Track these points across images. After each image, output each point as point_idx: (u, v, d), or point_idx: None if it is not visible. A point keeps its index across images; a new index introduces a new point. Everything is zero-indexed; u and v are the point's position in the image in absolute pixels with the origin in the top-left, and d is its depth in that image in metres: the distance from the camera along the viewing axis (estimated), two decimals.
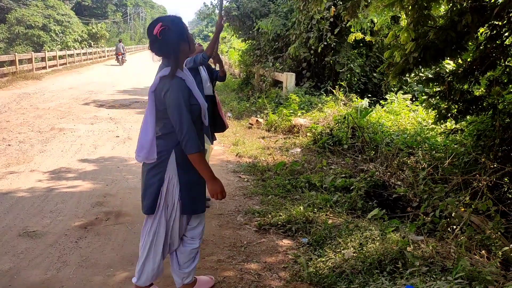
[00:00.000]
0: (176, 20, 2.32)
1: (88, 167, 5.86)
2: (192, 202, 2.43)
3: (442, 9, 5.37)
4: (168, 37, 2.24)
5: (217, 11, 15.41)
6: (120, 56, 27.59)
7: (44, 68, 20.01)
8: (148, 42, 2.34)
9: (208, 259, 3.29)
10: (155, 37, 2.24)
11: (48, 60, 20.66)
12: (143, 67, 25.09)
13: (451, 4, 4.64)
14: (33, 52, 20.32)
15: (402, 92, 9.01)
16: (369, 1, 5.59)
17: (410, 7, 4.63)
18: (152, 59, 2.40)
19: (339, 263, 2.93)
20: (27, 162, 5.97)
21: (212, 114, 4.45)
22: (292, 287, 2.66)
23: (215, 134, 4.70)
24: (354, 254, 3.00)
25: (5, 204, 4.39)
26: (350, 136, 6.65)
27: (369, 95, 9.80)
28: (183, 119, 2.24)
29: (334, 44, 10.24)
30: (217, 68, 4.76)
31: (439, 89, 5.55)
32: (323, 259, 3.04)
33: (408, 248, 3.00)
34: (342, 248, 3.15)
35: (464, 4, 4.51)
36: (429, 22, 4.66)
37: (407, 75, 5.15)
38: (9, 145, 6.88)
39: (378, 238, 3.21)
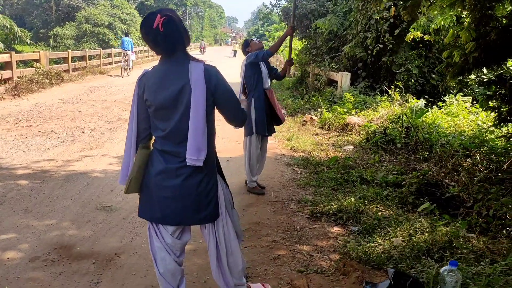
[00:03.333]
0: (171, 10, 2.14)
1: None
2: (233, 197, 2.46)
3: (508, 9, 5.25)
4: (172, 27, 2.05)
5: (275, 11, 15.71)
6: (203, 49, 44.04)
7: (110, 63, 21.24)
8: (148, 44, 2.13)
9: (263, 239, 3.55)
10: (155, 31, 2.02)
11: (113, 56, 21.90)
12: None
13: None
14: (101, 49, 21.59)
15: (461, 94, 8.84)
16: (431, 0, 5.61)
17: (472, 6, 4.62)
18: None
19: (388, 249, 3.08)
20: (99, 148, 6.55)
21: (269, 107, 4.74)
22: (342, 264, 2.85)
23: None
24: (403, 243, 3.14)
25: (83, 182, 4.93)
26: (404, 135, 6.68)
27: (426, 97, 9.66)
28: (237, 98, 2.26)
29: (392, 45, 10.18)
30: (280, 69, 5.03)
31: (501, 91, 5.46)
32: (372, 245, 3.21)
33: (457, 240, 3.09)
34: (391, 236, 3.30)
35: None
36: (492, 22, 4.63)
37: (466, 76, 5.12)
38: (82, 132, 7.54)
39: (427, 230, 3.33)
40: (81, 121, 8.52)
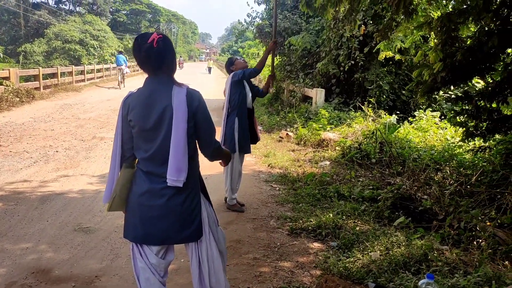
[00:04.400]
0: (161, 34, 2.21)
1: None
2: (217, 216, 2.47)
3: (472, 29, 5.51)
4: (165, 47, 2.15)
5: (250, 28, 15.95)
6: (181, 64, 45.19)
7: (82, 80, 20.95)
8: (138, 58, 2.18)
9: (245, 256, 3.59)
10: (150, 47, 2.10)
11: (86, 73, 21.65)
12: (180, 80, 25.91)
13: (478, 26, 4.84)
14: (73, 66, 21.31)
15: (431, 109, 9.16)
16: (399, 21, 5.85)
17: (438, 28, 4.85)
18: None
19: (367, 263, 3.17)
20: (74, 167, 6.45)
21: (249, 126, 4.83)
22: (323, 280, 2.91)
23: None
24: (381, 257, 3.24)
25: (60, 203, 4.85)
26: (378, 150, 6.86)
27: (398, 112, 9.97)
28: (214, 128, 2.30)
29: (363, 61, 10.50)
30: (261, 86, 5.12)
31: (467, 107, 5.70)
32: (352, 260, 3.29)
33: (432, 253, 3.21)
34: (369, 251, 3.40)
35: (492, 26, 4.67)
36: (457, 43, 4.87)
37: (435, 94, 5.33)
38: (56, 151, 7.41)
39: (403, 243, 3.44)
40: (54, 140, 8.37)
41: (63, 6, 62.43)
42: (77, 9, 60.87)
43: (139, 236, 2.22)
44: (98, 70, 24.55)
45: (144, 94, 2.19)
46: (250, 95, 4.83)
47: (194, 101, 2.17)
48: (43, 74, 16.51)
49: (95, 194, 5.21)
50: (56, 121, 10.60)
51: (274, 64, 5.48)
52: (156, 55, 2.13)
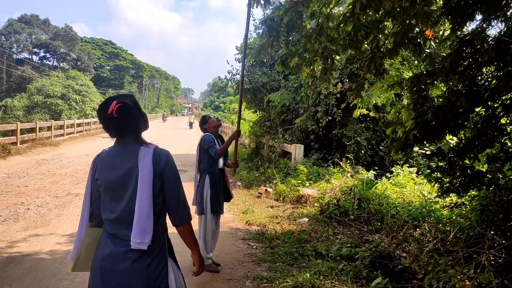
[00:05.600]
0: (130, 96, 2.24)
1: None
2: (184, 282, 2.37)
3: (442, 88, 5.71)
4: (126, 114, 2.14)
5: (230, 84, 16.29)
6: (165, 118, 55.02)
7: (62, 135, 20.83)
8: (103, 124, 2.20)
9: None
10: (110, 116, 2.11)
11: (66, 128, 21.55)
12: (158, 134, 25.94)
13: (447, 86, 5.03)
14: (53, 121, 21.21)
15: (407, 165, 9.29)
16: (371, 81, 6.06)
17: (409, 88, 5.02)
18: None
19: None
20: (45, 226, 6.22)
21: (223, 185, 4.81)
22: None
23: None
24: None
25: (25, 266, 4.60)
26: (356, 207, 6.85)
27: (376, 168, 10.08)
28: (182, 188, 2.22)
29: (340, 118, 10.73)
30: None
31: (441, 164, 5.80)
32: None
33: None
34: None
35: (460, 86, 4.86)
36: (428, 102, 5.03)
37: (409, 151, 5.42)
38: (28, 209, 7.17)
39: None
40: (27, 196, 8.13)
41: (47, 62, 63.27)
42: (61, 64, 61.67)
43: None
44: (79, 125, 24.51)
45: (112, 153, 2.20)
46: (222, 157, 4.84)
47: (161, 160, 2.15)
48: (21, 129, 16.36)
49: (64, 254, 4.99)
50: (30, 177, 10.36)
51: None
52: (117, 123, 2.14)
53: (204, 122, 4.94)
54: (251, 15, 5.83)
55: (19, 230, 5.97)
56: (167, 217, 2.24)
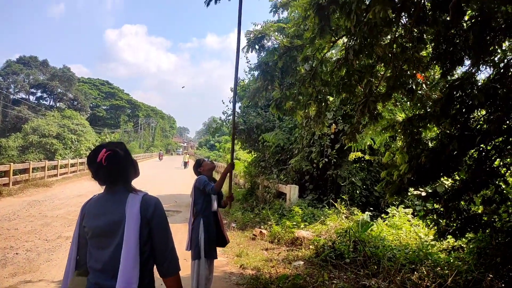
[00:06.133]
0: (120, 144, 2.23)
1: None
2: None
3: (435, 130, 5.75)
4: (115, 162, 2.12)
5: (226, 124, 16.42)
6: (161, 157, 57.33)
7: (55, 175, 20.67)
8: (92, 173, 2.18)
9: None
10: (99, 164, 2.09)
11: (59, 168, 21.41)
12: (153, 173, 25.79)
13: (440, 130, 5.07)
14: (46, 161, 21.11)
15: (403, 206, 9.24)
16: (365, 123, 6.11)
17: (402, 131, 5.07)
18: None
19: None
20: (33, 272, 6.05)
21: (216, 228, 4.74)
22: None
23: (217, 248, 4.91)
24: None
25: None
26: (352, 249, 6.74)
27: (371, 208, 10.01)
28: (170, 237, 2.17)
29: (335, 159, 10.76)
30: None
31: (436, 206, 5.77)
32: None
33: None
34: None
35: (452, 130, 4.91)
36: (421, 145, 5.06)
37: (403, 194, 5.39)
38: (16, 253, 6.99)
39: None
40: (16, 240, 7.95)
41: (44, 102, 63.76)
42: (58, 104, 62.15)
43: None
44: (72, 165, 24.38)
45: (100, 201, 2.18)
46: (216, 198, 4.81)
47: (150, 207, 2.12)
48: (14, 170, 16.23)
49: None
50: (21, 219, 10.17)
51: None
52: (105, 172, 2.12)
53: (198, 166, 4.95)
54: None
55: (7, 276, 5.80)
56: (155, 267, 2.19)
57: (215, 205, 4.78)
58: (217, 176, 4.84)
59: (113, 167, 2.12)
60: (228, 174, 4.94)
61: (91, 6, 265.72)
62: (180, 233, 8.05)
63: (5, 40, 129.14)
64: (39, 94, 63.94)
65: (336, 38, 5.76)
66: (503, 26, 4.54)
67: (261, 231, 9.15)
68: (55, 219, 10.47)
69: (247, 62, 23.67)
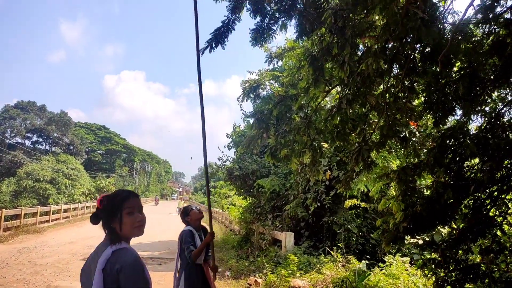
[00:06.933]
0: (113, 195, 2.19)
1: None
2: None
3: (430, 179, 5.77)
4: (103, 210, 2.15)
5: (221, 170, 16.41)
6: (157, 202, 60.22)
7: (47, 221, 20.32)
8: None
9: None
10: (97, 209, 2.17)
11: (52, 214, 21.09)
12: (149, 219, 25.31)
13: (434, 178, 5.09)
14: (39, 207, 20.80)
15: (400, 254, 9.09)
16: (359, 169, 6.14)
17: (396, 180, 5.07)
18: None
19: None
20: None
21: (203, 282, 4.53)
22: None
23: None
24: None
25: None
26: None
27: (368, 256, 9.84)
28: None
29: (330, 205, 10.70)
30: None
31: (434, 255, 5.68)
32: None
33: None
34: None
35: (446, 178, 4.93)
36: (416, 194, 5.06)
37: (399, 243, 5.33)
38: None
39: None
40: None
41: (39, 146, 63.76)
42: (53, 148, 62.16)
43: None
44: (65, 210, 24.04)
45: (92, 255, 2.16)
46: (204, 250, 4.66)
47: (116, 264, 1.96)
48: (5, 216, 15.97)
49: None
50: (10, 267, 9.88)
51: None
52: (102, 215, 2.15)
53: (186, 214, 4.79)
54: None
55: None
56: None
57: (202, 256, 4.61)
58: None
59: (103, 214, 2.16)
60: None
61: (91, 53, 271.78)
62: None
63: (5, 85, 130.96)
64: (35, 138, 64.08)
65: (330, 87, 5.90)
66: (491, 77, 4.69)
67: (256, 280, 8.92)
68: (45, 267, 10.18)
69: (240, 108, 24.06)
